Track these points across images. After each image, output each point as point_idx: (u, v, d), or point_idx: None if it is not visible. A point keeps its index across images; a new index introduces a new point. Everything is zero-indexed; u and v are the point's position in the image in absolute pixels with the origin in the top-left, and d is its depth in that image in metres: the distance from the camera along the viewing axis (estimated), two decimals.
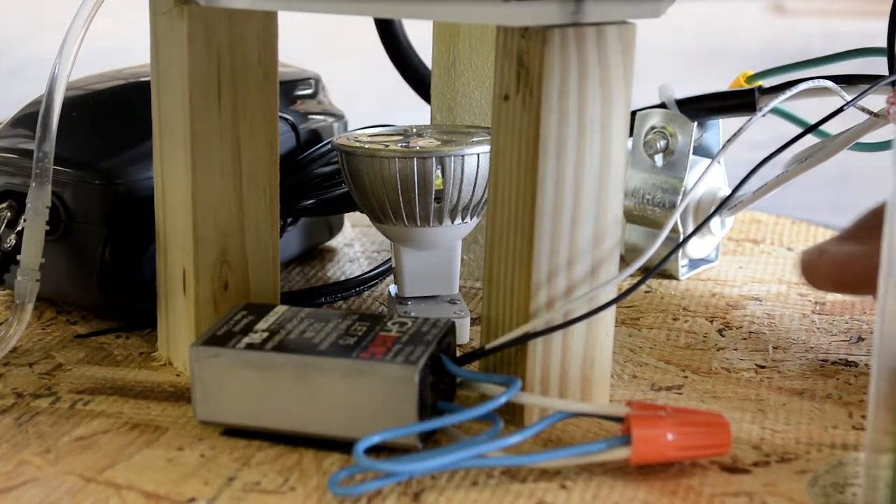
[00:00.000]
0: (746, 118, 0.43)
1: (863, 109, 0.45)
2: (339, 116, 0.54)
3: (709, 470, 0.35)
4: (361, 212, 0.53)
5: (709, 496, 0.34)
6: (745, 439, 0.37)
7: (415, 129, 0.47)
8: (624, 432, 0.34)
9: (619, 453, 0.34)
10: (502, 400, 0.35)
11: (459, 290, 0.48)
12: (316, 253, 0.57)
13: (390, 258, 0.52)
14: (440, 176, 0.43)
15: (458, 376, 0.37)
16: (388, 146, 0.44)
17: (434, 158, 0.43)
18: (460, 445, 0.33)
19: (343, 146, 0.44)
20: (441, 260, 0.45)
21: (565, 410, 0.36)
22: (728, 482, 0.35)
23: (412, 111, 0.59)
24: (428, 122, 0.51)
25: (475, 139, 0.45)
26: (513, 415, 0.37)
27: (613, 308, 0.38)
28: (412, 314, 0.45)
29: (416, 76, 0.57)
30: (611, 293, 0.38)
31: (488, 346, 0.37)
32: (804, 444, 0.37)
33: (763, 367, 0.43)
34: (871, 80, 0.45)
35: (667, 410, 0.35)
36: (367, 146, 0.44)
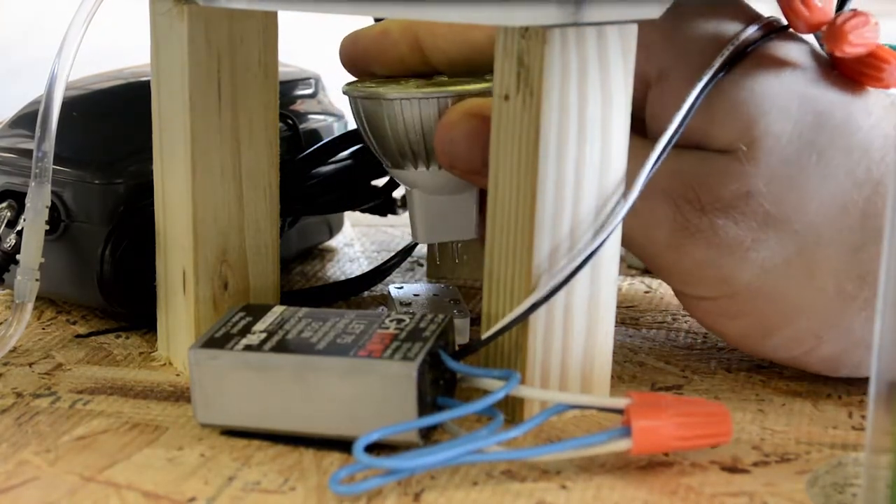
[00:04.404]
0: None
1: None
2: (338, 116, 0.54)
3: (709, 470, 0.35)
4: (361, 211, 0.54)
5: (709, 496, 0.34)
6: (745, 439, 0.37)
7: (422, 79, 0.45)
8: (624, 423, 0.34)
9: (620, 445, 0.34)
10: (501, 394, 0.35)
11: (459, 290, 0.48)
12: (316, 253, 0.57)
13: (390, 258, 0.52)
14: None
15: (457, 372, 0.37)
16: (407, 90, 0.42)
17: (454, 99, 0.41)
18: (461, 441, 0.33)
19: (360, 91, 0.43)
20: (460, 205, 0.44)
21: (565, 403, 0.36)
22: (728, 482, 0.35)
23: None
24: None
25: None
26: (513, 412, 0.37)
27: (613, 308, 0.38)
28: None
29: None
30: (611, 293, 0.38)
31: (484, 337, 0.37)
32: (804, 444, 0.37)
33: (763, 367, 0.43)
34: None
35: (667, 401, 0.35)
36: (385, 89, 0.42)
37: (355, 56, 0.45)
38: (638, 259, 0.40)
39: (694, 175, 0.38)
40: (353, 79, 0.45)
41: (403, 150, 0.43)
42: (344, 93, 0.44)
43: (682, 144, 0.38)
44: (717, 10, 0.40)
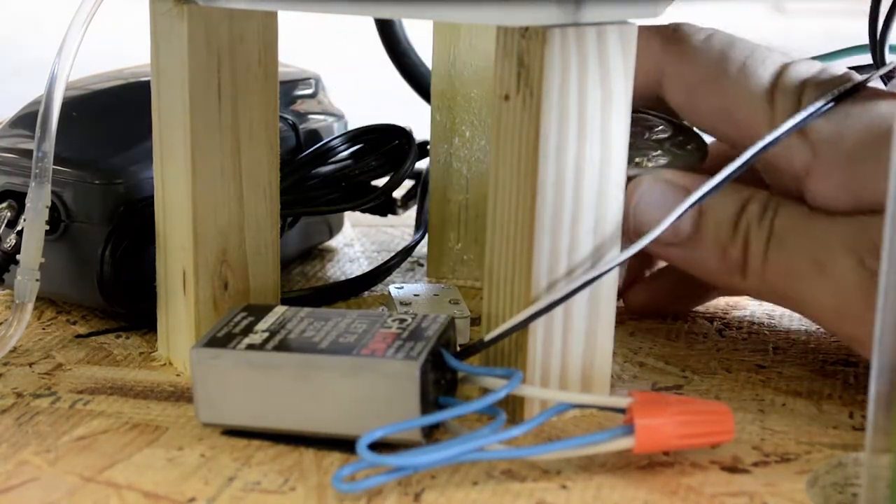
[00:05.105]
0: None
1: None
2: (338, 116, 0.54)
3: (709, 470, 0.35)
4: (361, 211, 0.54)
5: (709, 496, 0.34)
6: (745, 439, 0.37)
7: None
8: (626, 422, 0.34)
9: (622, 443, 0.34)
10: (503, 392, 0.35)
11: (459, 290, 0.48)
12: (316, 253, 0.57)
13: (390, 258, 0.52)
14: None
15: (459, 371, 0.37)
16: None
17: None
18: (463, 439, 0.34)
19: None
20: None
21: (567, 402, 0.36)
22: (728, 482, 0.35)
23: (410, 110, 0.59)
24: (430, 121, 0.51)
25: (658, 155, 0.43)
26: (514, 412, 0.37)
27: (614, 308, 0.38)
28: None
29: (416, 76, 0.57)
30: (611, 292, 0.38)
31: (487, 338, 0.37)
32: (804, 444, 0.37)
33: (763, 367, 0.43)
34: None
35: (668, 400, 0.35)
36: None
37: None
38: (834, 333, 0.40)
39: (869, 229, 0.37)
40: None
41: None
42: None
43: (863, 212, 0.38)
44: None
